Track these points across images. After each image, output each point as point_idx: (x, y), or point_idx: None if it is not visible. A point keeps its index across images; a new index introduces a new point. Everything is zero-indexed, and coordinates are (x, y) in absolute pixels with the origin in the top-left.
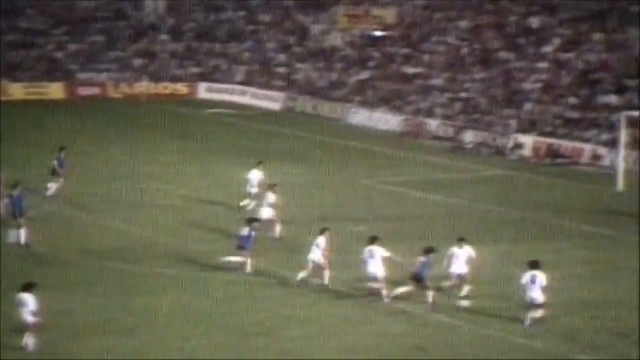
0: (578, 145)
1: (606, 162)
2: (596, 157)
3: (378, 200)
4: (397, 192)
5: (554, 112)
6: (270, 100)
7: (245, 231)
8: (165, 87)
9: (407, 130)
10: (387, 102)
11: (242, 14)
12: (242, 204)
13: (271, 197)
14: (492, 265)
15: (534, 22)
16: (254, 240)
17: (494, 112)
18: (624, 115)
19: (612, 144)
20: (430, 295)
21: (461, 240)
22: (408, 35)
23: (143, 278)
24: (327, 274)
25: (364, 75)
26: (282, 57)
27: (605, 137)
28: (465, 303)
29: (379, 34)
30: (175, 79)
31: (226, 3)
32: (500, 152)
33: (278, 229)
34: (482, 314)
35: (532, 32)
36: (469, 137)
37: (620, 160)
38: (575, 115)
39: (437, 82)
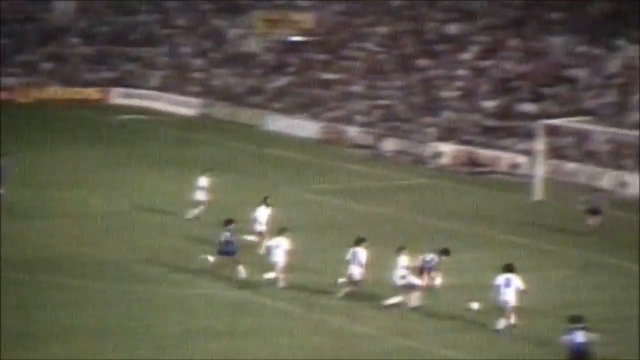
0: (496, 153)
1: (524, 170)
2: (514, 166)
3: (298, 209)
4: (317, 201)
5: (472, 119)
6: (186, 106)
7: (225, 235)
8: (76, 92)
9: (326, 138)
10: (306, 108)
11: (156, 17)
12: (188, 216)
13: (264, 212)
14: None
15: (452, 28)
16: (238, 243)
17: (414, 120)
18: (541, 124)
19: (530, 153)
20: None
21: (401, 249)
22: (327, 40)
23: (57, 290)
24: (282, 276)
25: (282, 81)
26: (198, 62)
27: (522, 145)
28: (475, 305)
29: (297, 39)
30: (87, 84)
31: (140, 5)
32: (420, 160)
33: (263, 244)
34: (404, 324)
35: (450, 38)
36: (389, 144)
37: (538, 169)
38: (493, 123)
39: (356, 88)
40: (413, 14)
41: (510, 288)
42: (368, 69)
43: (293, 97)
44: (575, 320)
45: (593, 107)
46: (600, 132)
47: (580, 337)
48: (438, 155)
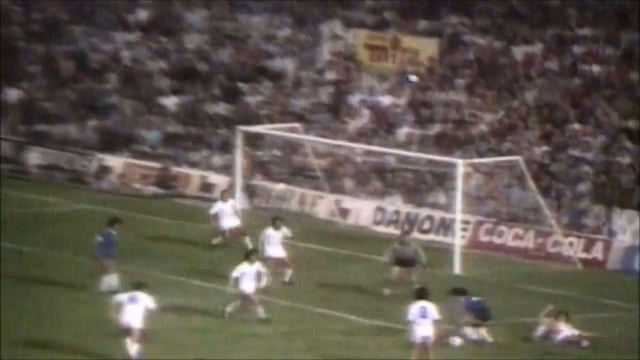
0: (183, 170)
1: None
2: (207, 187)
3: None
4: None
5: (149, 122)
6: None
7: (102, 236)
8: None
9: None
10: None
11: None
12: None
13: (273, 233)
14: None
15: None
16: (115, 244)
17: (68, 121)
18: (238, 131)
19: (227, 170)
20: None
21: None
22: None
23: None
24: (289, 270)
25: None
26: None
27: (218, 160)
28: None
29: None
30: None
31: None
32: (80, 178)
33: (290, 272)
34: None
35: (105, 10)
36: (35, 157)
37: (237, 191)
38: (176, 129)
39: None
40: None
41: (427, 319)
42: None
43: None
44: None
45: (303, 109)
46: (312, 144)
47: None
48: (105, 171)
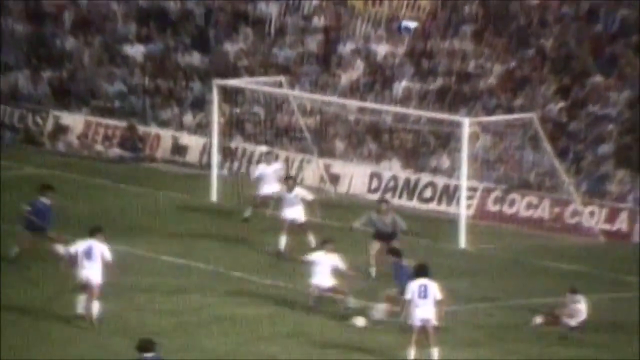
0: (152, 129)
1: (194, 157)
2: (180, 150)
3: None
4: None
5: (109, 75)
6: None
7: (35, 204)
8: None
9: None
10: None
11: None
12: None
13: (287, 195)
14: None
15: None
16: (48, 215)
17: (15, 72)
18: (214, 84)
19: (202, 129)
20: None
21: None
22: None
23: None
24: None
25: None
26: None
27: (191, 118)
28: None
29: None
30: None
31: None
32: (33, 139)
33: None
34: None
35: None
36: None
37: (213, 154)
38: (143, 82)
39: None
40: None
41: (428, 299)
42: None
43: None
44: (145, 348)
45: (288, 60)
46: (299, 100)
47: None
48: (60, 130)
